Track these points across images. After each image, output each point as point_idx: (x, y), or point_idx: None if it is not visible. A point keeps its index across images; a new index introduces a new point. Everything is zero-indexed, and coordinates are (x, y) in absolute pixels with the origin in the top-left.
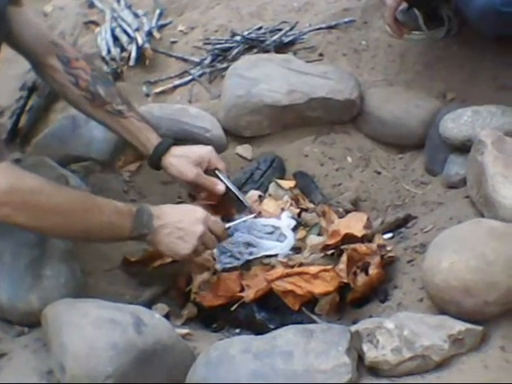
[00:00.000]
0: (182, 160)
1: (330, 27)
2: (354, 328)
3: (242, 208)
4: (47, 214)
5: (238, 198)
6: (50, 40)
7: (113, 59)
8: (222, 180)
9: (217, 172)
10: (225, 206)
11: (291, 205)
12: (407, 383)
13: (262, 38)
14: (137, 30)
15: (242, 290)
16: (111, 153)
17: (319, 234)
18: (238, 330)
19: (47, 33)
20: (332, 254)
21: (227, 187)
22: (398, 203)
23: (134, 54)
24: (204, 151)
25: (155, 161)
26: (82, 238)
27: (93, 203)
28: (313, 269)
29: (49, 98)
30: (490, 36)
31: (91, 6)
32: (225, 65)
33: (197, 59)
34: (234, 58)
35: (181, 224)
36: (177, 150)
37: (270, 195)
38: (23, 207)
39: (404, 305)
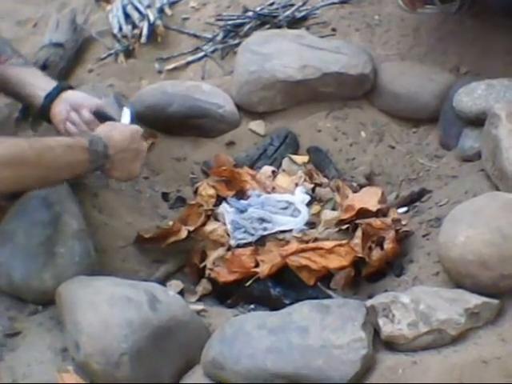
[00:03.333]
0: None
1: (342, 2)
2: (369, 303)
3: None
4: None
5: None
6: None
7: (124, 36)
8: (105, 117)
9: (98, 111)
10: (237, 182)
11: (305, 180)
12: (424, 358)
13: (274, 14)
14: (148, 6)
15: (257, 265)
16: None
17: (334, 209)
18: (252, 306)
19: None
20: (347, 228)
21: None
22: (412, 177)
23: (145, 31)
24: (76, 95)
25: (45, 108)
26: (40, 185)
27: (44, 149)
28: (328, 244)
29: (60, 76)
30: (499, 8)
31: None
32: (237, 41)
33: (209, 35)
34: (247, 34)
35: (131, 146)
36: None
37: (283, 171)
38: None
39: (420, 279)
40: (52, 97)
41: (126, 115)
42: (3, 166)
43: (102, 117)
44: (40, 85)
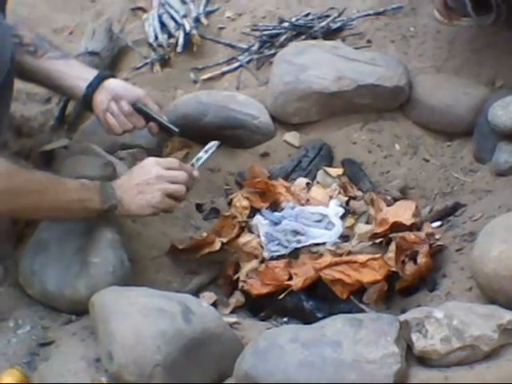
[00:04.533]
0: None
1: (378, 13)
2: (402, 317)
3: (173, 134)
4: (17, 197)
5: (164, 126)
6: None
7: (160, 46)
8: (144, 112)
9: (138, 105)
10: (271, 194)
11: (339, 193)
12: (456, 373)
13: (309, 25)
14: (184, 16)
15: (290, 278)
16: (158, 140)
17: (367, 223)
18: (285, 319)
19: None
20: (380, 242)
21: (152, 118)
22: (446, 191)
23: (181, 41)
24: (118, 85)
25: (87, 97)
26: (53, 218)
27: (58, 182)
28: (361, 257)
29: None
30: None
31: None
32: (272, 51)
33: (244, 46)
34: (282, 45)
35: (135, 180)
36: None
37: (318, 183)
38: None
39: (453, 294)
40: (93, 86)
41: (207, 149)
42: (23, 196)
43: (141, 111)
44: (81, 75)
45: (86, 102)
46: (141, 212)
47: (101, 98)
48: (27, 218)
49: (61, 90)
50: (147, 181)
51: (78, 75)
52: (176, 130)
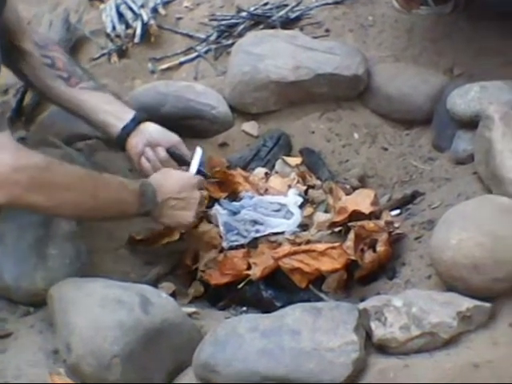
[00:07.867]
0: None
1: (336, 2)
2: (361, 306)
3: (205, 178)
4: (57, 191)
5: (197, 170)
6: (26, 25)
7: (118, 36)
8: (178, 157)
9: (171, 150)
10: (230, 183)
11: (298, 182)
12: (415, 361)
13: (268, 14)
14: (142, 6)
15: (249, 267)
16: None
17: (326, 211)
18: (244, 308)
19: (22, 17)
20: (339, 231)
21: (185, 163)
22: (405, 179)
23: (139, 31)
24: (155, 130)
25: (121, 139)
26: (91, 216)
27: (100, 179)
28: (320, 246)
29: None
30: (493, 8)
31: None
32: (230, 41)
33: (202, 36)
34: (240, 35)
35: (181, 194)
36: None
37: (276, 172)
38: (33, 185)
39: (412, 282)
40: (129, 129)
41: (197, 156)
42: (63, 190)
43: (175, 156)
44: (115, 113)
45: (119, 142)
46: (168, 223)
47: (136, 141)
48: (64, 215)
49: (91, 124)
50: (190, 200)
51: (113, 112)
52: (208, 174)
